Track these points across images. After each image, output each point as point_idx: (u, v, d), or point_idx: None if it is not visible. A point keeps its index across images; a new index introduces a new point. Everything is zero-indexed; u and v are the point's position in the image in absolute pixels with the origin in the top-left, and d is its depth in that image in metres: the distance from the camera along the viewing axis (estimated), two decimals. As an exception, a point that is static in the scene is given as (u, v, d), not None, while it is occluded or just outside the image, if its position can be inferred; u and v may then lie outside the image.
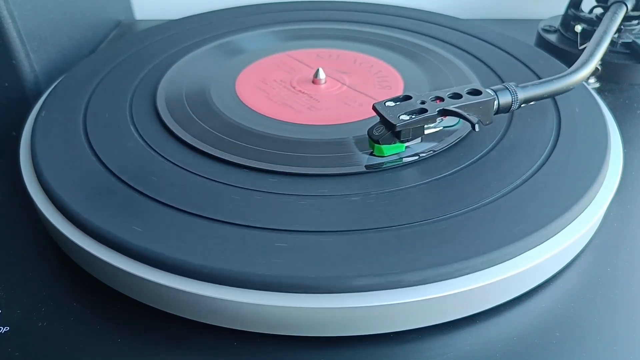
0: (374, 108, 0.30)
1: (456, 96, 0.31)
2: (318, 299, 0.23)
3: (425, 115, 0.29)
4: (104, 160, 0.31)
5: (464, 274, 0.24)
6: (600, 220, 0.30)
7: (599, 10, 0.47)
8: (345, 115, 0.35)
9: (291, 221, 0.26)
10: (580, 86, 0.36)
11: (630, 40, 0.45)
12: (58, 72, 0.45)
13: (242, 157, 0.31)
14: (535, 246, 0.26)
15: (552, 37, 0.50)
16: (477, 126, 0.29)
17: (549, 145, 0.32)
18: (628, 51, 0.45)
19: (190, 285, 0.24)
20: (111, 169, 0.30)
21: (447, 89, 0.31)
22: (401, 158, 0.31)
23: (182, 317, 0.25)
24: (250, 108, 0.36)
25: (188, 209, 0.27)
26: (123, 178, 0.29)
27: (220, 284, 0.24)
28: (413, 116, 0.29)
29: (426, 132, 0.31)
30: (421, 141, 0.31)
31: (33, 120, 0.35)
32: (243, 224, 0.26)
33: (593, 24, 0.46)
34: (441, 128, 0.32)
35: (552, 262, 0.27)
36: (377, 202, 0.28)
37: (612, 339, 0.25)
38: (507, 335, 0.25)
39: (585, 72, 0.34)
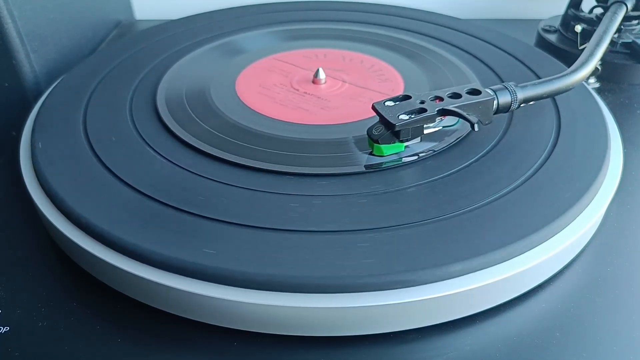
0: (373, 107, 0.30)
1: (455, 96, 0.31)
2: (318, 299, 0.23)
3: (425, 114, 0.29)
4: (103, 160, 0.31)
5: (464, 274, 0.24)
6: (600, 220, 0.30)
7: (599, 10, 0.47)
8: (346, 115, 0.35)
9: (291, 221, 0.26)
10: (580, 86, 0.36)
11: (630, 40, 0.45)
12: (58, 72, 0.45)
13: (241, 156, 0.31)
14: (536, 246, 0.26)
15: (552, 37, 0.50)
16: (476, 126, 0.29)
17: (549, 145, 0.32)
18: (628, 51, 0.45)
19: (190, 285, 0.24)
20: (111, 168, 0.30)
21: (447, 89, 0.31)
22: (400, 158, 0.31)
23: (182, 317, 0.25)
24: (250, 108, 0.36)
25: (188, 208, 0.27)
26: (123, 178, 0.29)
27: (220, 283, 0.24)
28: (412, 116, 0.29)
29: (425, 131, 0.31)
30: (420, 141, 0.31)
31: (33, 120, 0.35)
32: (242, 223, 0.26)
33: (593, 24, 0.46)
34: (440, 128, 0.32)
35: (552, 262, 0.27)
36: (377, 202, 0.28)
37: (612, 339, 0.25)
38: (507, 335, 0.25)
39: (584, 72, 0.34)
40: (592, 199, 0.29)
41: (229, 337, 0.25)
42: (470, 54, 0.44)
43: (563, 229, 0.27)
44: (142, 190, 0.28)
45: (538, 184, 0.29)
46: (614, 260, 0.29)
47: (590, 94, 0.37)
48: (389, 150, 0.31)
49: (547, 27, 0.51)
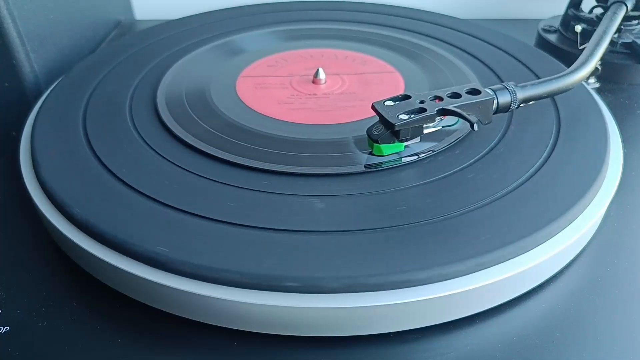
0: (373, 107, 0.30)
1: (455, 96, 0.31)
2: (318, 299, 0.23)
3: (424, 114, 0.29)
4: (103, 160, 0.31)
5: (464, 274, 0.24)
6: (600, 220, 0.30)
7: (599, 10, 0.47)
8: (346, 115, 0.35)
9: (291, 221, 0.26)
10: (580, 86, 0.36)
11: (630, 40, 0.45)
12: (58, 72, 0.45)
13: (242, 157, 0.31)
14: (536, 246, 0.26)
15: (552, 37, 0.50)
16: (476, 126, 0.29)
17: (549, 145, 0.32)
18: (628, 51, 0.45)
19: (190, 285, 0.24)
20: (111, 169, 0.30)
21: (446, 89, 0.31)
22: (400, 157, 0.31)
23: (182, 317, 0.25)
24: (250, 108, 0.36)
25: (188, 209, 0.27)
26: (123, 178, 0.29)
27: (220, 284, 0.24)
28: (412, 115, 0.29)
29: (425, 131, 0.31)
30: (420, 141, 0.31)
31: (33, 120, 0.35)
32: (243, 223, 0.26)
33: (593, 24, 0.46)
34: (440, 127, 0.32)
35: (552, 262, 0.27)
36: (377, 201, 0.28)
37: (612, 339, 0.25)
38: (507, 335, 0.25)
39: (584, 72, 0.34)
40: (592, 199, 0.29)
41: (229, 337, 0.25)
42: (470, 54, 0.44)
43: (563, 229, 0.27)
44: (141, 190, 0.28)
45: (538, 184, 0.29)
46: (614, 260, 0.29)
47: (590, 94, 0.37)
48: (389, 150, 0.31)
49: (547, 27, 0.51)
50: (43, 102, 0.37)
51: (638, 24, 0.46)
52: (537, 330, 0.25)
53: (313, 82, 0.39)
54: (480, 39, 0.46)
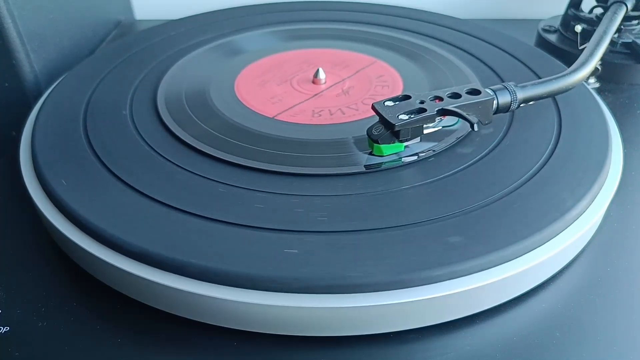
0: (373, 107, 0.30)
1: (455, 96, 0.31)
2: (318, 299, 0.23)
3: (424, 114, 0.29)
4: (104, 160, 0.31)
5: (464, 274, 0.24)
6: (600, 220, 0.30)
7: (599, 10, 0.47)
8: (345, 115, 0.35)
9: (291, 221, 0.26)
10: (580, 86, 0.36)
11: (630, 40, 0.45)
12: (58, 72, 0.45)
13: (241, 157, 0.31)
14: (536, 246, 0.26)
15: (552, 37, 0.50)
16: (476, 126, 0.29)
17: (549, 145, 0.32)
18: (628, 51, 0.45)
19: (190, 285, 0.24)
20: (111, 168, 0.30)
21: (447, 89, 0.31)
22: (400, 158, 0.31)
23: (182, 317, 0.25)
24: (250, 108, 0.36)
25: (188, 209, 0.27)
26: (123, 178, 0.29)
27: (220, 284, 0.24)
28: (412, 116, 0.29)
29: (425, 131, 0.31)
30: (420, 141, 0.31)
31: (33, 120, 0.35)
32: (243, 224, 0.26)
33: (593, 24, 0.46)
34: (440, 128, 0.32)
35: (552, 262, 0.27)
36: (377, 202, 0.28)
37: (612, 339, 0.25)
38: (507, 335, 0.25)
39: (584, 72, 0.34)
40: (592, 199, 0.29)
41: (229, 337, 0.25)
42: (470, 54, 0.44)
43: (563, 229, 0.27)
44: (141, 190, 0.28)
45: (538, 184, 0.29)
46: (614, 260, 0.29)
47: (591, 94, 0.37)
48: (389, 150, 0.31)
49: (547, 27, 0.51)
50: (43, 102, 0.37)
51: (638, 24, 0.46)
52: (537, 330, 0.25)
53: (313, 82, 0.39)
54: (480, 39, 0.46)
